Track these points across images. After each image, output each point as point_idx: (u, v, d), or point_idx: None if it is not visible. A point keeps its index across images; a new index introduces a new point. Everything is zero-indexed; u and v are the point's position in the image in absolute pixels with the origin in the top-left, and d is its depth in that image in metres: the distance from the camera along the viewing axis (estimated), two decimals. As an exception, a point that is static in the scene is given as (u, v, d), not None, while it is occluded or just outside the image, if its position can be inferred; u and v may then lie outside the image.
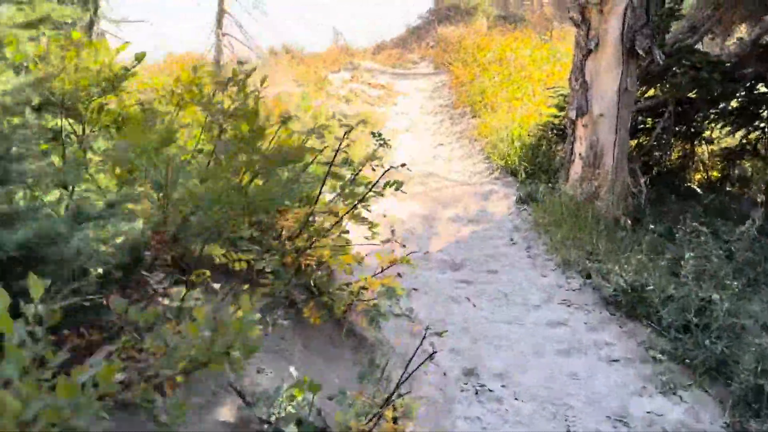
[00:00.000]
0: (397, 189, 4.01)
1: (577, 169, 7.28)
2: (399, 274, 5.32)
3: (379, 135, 4.56)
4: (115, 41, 10.10)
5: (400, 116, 12.07)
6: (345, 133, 4.03)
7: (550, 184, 7.52)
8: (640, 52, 6.94)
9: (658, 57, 7.03)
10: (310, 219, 3.97)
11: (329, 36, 20.35)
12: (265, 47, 12.56)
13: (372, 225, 4.22)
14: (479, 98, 11.80)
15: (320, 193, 3.94)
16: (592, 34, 7.15)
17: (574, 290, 5.26)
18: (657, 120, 8.50)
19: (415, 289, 5.24)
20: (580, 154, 7.31)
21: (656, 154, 8.68)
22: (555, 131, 8.78)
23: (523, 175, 8.16)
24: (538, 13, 25.91)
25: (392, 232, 6.17)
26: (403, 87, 15.20)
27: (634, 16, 6.90)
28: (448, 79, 15.46)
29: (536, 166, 8.26)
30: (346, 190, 4.39)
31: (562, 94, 9.08)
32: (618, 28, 6.93)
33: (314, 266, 3.87)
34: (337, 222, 4.01)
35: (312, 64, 13.41)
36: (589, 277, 5.42)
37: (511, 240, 6.40)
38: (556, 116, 8.92)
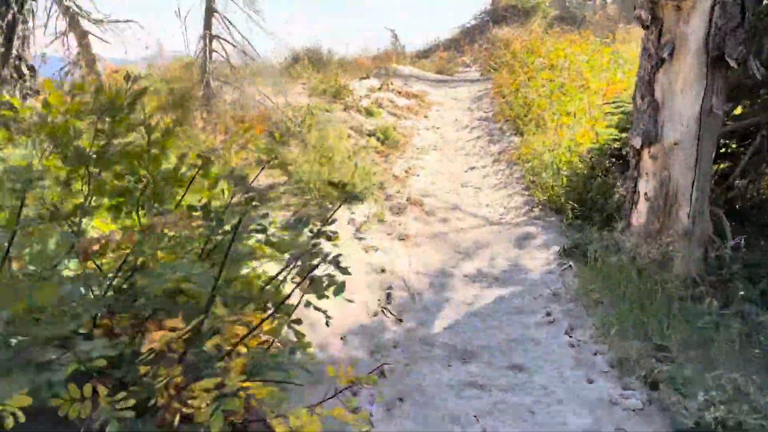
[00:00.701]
0: (337, 294, 2.54)
1: (641, 214, 5.65)
2: (383, 373, 3.87)
3: (319, 232, 3.04)
4: (99, 44, 9.03)
5: (429, 132, 10.56)
6: (246, 202, 2.60)
7: (605, 232, 5.91)
8: (731, 62, 5.27)
9: (755, 69, 5.36)
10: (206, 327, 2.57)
11: (379, 37, 19.05)
12: (269, 50, 11.32)
13: (303, 344, 2.76)
14: (524, 111, 10.20)
15: (212, 298, 2.49)
16: (665, 38, 5.52)
17: (634, 411, 3.67)
18: (744, 143, 6.80)
19: (400, 399, 3.76)
20: (645, 195, 5.68)
21: (738, 183, 6.93)
22: (614, 158, 7.13)
23: (570, 216, 6.54)
24: (600, 13, 24.09)
25: (387, 297, 4.73)
26: (440, 96, 13.68)
27: (723, 15, 5.24)
28: (492, 87, 13.88)
29: (588, 204, 6.63)
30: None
31: (624, 112, 7.44)
32: (701, 30, 5.30)
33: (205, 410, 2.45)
34: (247, 335, 2.58)
35: (336, 71, 12.03)
36: (656, 387, 3.82)
37: (548, 315, 4.83)
38: (615, 139, 7.28)
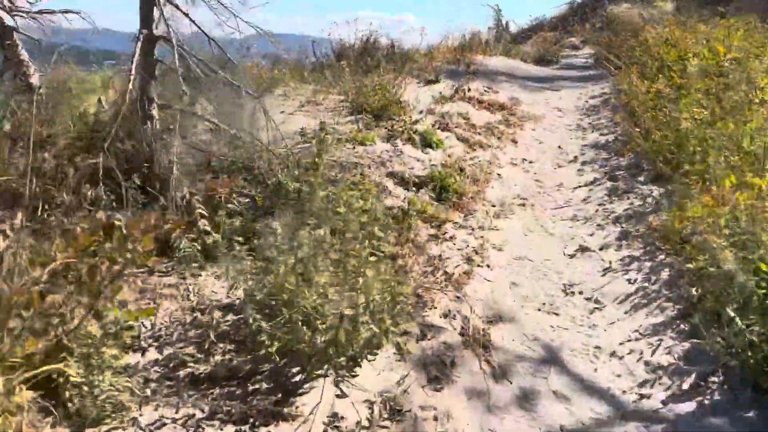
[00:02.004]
0: None
1: None
2: None
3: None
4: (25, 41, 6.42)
5: (515, 170, 7.25)
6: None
7: None
8: None
9: None
10: None
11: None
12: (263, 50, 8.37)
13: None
14: (668, 146, 6.73)
15: None
16: None
17: None
18: None
19: None
20: None
21: None
22: None
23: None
24: (750, -13, 19.51)
25: None
26: (538, 104, 10.28)
27: None
28: (614, 94, 10.35)
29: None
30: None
31: None
32: None
33: None
34: None
35: (382, 75, 8.86)
36: None
37: None
38: None
